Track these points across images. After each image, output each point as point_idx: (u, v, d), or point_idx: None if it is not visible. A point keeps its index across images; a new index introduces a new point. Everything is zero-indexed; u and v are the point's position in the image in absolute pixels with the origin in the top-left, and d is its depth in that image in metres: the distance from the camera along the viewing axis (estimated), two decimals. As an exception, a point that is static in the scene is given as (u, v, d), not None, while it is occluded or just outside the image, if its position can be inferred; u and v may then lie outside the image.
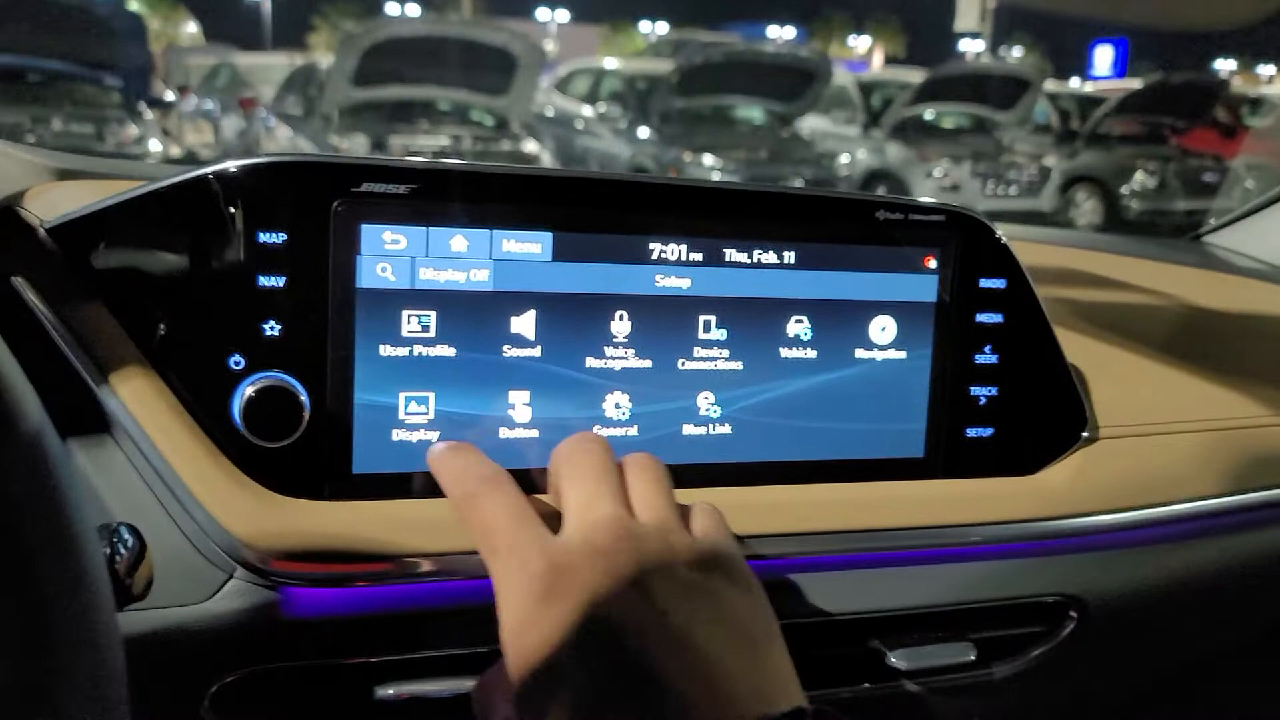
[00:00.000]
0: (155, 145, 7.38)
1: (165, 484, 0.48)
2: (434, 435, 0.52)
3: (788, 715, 0.37)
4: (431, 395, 0.52)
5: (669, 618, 0.40)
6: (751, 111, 8.57)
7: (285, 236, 0.49)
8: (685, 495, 0.56)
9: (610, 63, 10.64)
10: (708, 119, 8.35)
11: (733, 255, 0.57)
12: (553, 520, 0.46)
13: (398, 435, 0.52)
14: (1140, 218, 8.22)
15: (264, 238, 0.49)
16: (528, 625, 0.41)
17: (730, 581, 0.44)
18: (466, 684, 0.54)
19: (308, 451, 0.50)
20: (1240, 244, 1.18)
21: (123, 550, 0.45)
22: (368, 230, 0.50)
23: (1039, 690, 0.69)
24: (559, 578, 0.41)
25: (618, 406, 0.56)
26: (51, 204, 0.54)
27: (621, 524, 0.44)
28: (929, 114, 9.08)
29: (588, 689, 0.39)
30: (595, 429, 0.55)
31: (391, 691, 0.53)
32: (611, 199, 0.55)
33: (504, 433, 0.53)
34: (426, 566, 0.51)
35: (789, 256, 0.58)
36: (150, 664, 0.34)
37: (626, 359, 0.55)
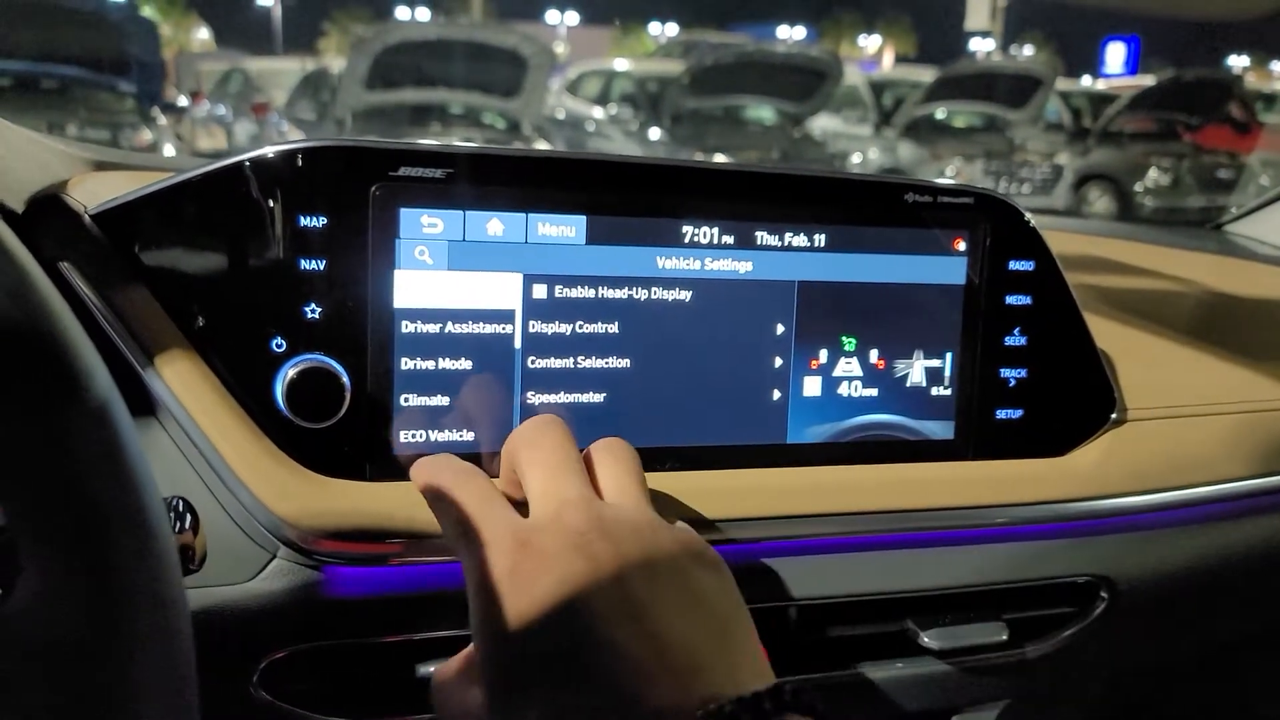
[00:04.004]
0: (169, 150, 7.43)
1: (210, 465, 0.49)
2: (472, 419, 0.53)
3: (758, 695, 0.37)
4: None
5: (638, 597, 0.40)
6: (763, 112, 8.57)
7: (325, 220, 0.50)
8: (718, 476, 0.57)
9: (620, 64, 10.66)
10: (719, 120, 8.35)
11: (764, 238, 0.57)
12: (522, 507, 0.46)
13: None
14: (1154, 215, 8.19)
15: (304, 222, 0.50)
16: (492, 602, 0.40)
17: (700, 564, 0.43)
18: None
19: (349, 432, 0.51)
20: (1261, 233, 1.18)
21: (177, 524, 0.46)
22: (406, 214, 0.51)
23: (1071, 670, 0.70)
24: (526, 556, 0.41)
25: (652, 388, 0.56)
26: (93, 192, 0.55)
27: (589, 504, 0.44)
28: (941, 113, 9.07)
29: (553, 669, 0.39)
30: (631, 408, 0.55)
31: (434, 669, 0.54)
32: (645, 182, 0.55)
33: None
34: (466, 545, 0.51)
35: (819, 239, 0.58)
36: (198, 641, 0.35)
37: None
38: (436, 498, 0.47)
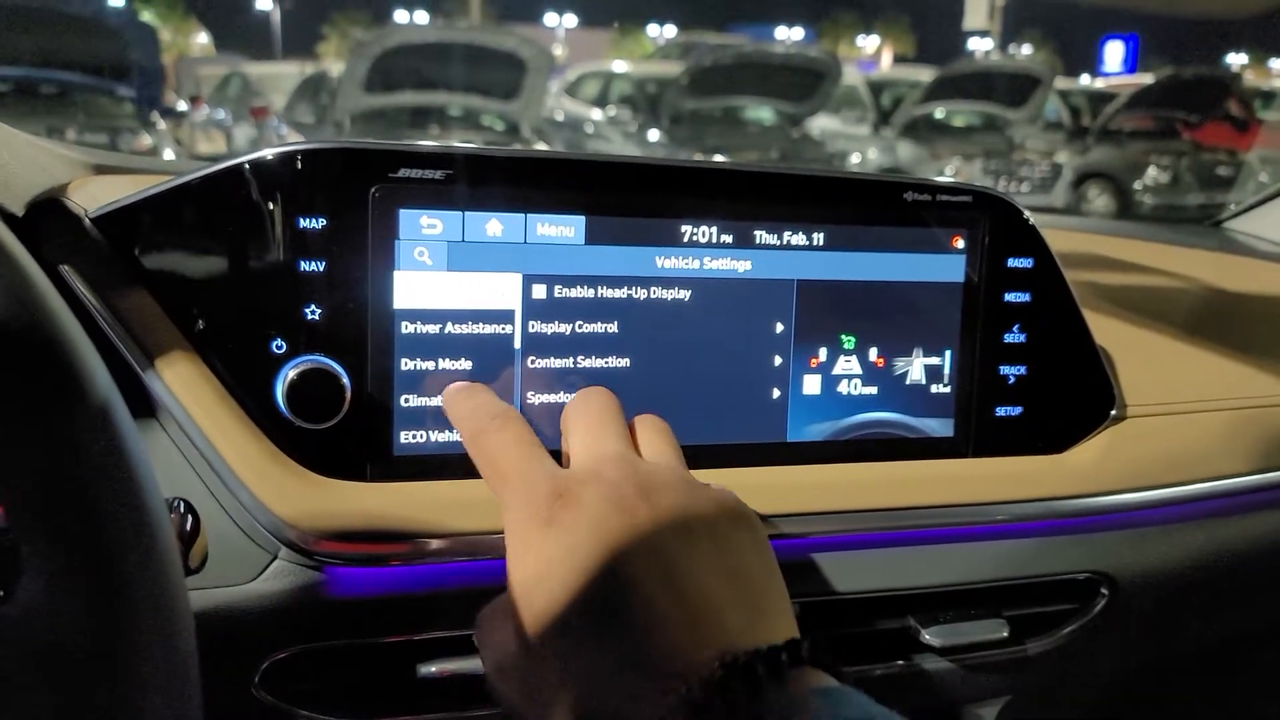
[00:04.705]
0: (169, 155, 7.43)
1: (211, 467, 0.49)
2: (472, 417, 0.53)
3: (774, 649, 0.37)
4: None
5: (670, 553, 0.40)
6: (761, 112, 8.57)
7: (325, 222, 0.50)
8: (718, 475, 0.57)
9: (619, 66, 10.66)
10: (718, 121, 8.35)
11: (763, 237, 0.57)
12: (563, 462, 0.47)
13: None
14: (1154, 213, 8.18)
15: (304, 223, 0.50)
16: (529, 549, 0.41)
17: (733, 522, 0.44)
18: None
19: (350, 433, 0.51)
20: (1260, 229, 1.19)
21: (179, 525, 0.46)
22: (405, 215, 0.51)
23: (1072, 666, 0.70)
24: (563, 503, 0.42)
25: (651, 387, 0.56)
26: (93, 195, 0.55)
27: (627, 459, 0.45)
28: (940, 112, 9.07)
29: (580, 618, 0.39)
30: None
31: (435, 669, 0.54)
32: (643, 182, 0.56)
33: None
34: (467, 546, 0.52)
35: (818, 238, 0.58)
36: (199, 642, 0.35)
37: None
38: (474, 440, 0.47)
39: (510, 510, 0.43)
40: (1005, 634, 0.65)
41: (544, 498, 0.42)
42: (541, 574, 0.40)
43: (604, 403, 0.49)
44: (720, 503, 0.44)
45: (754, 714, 0.35)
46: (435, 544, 0.51)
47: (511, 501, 0.43)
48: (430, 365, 0.52)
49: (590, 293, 0.54)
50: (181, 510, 0.47)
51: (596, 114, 9.30)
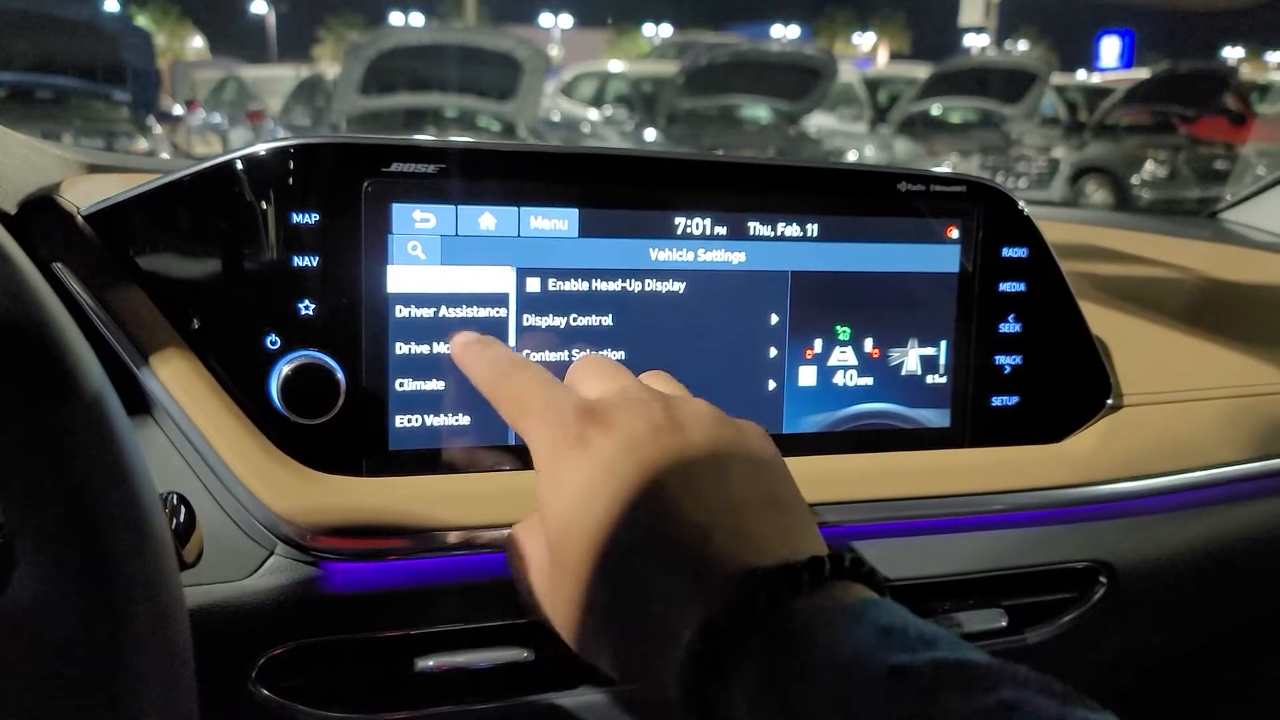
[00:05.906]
0: (165, 158, 7.41)
1: (206, 463, 0.49)
2: (466, 414, 0.53)
3: (817, 559, 0.36)
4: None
5: (703, 467, 0.40)
6: (758, 111, 8.56)
7: (317, 217, 0.50)
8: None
9: (615, 66, 10.65)
10: (714, 119, 8.34)
11: (757, 228, 0.57)
12: None
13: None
14: (1151, 207, 8.17)
15: (297, 219, 0.50)
16: (562, 468, 0.41)
17: (760, 449, 0.44)
18: (506, 655, 0.55)
19: (345, 428, 0.51)
20: (1256, 220, 1.19)
21: (174, 520, 0.46)
22: (398, 209, 0.51)
23: (1071, 656, 0.70)
24: (594, 422, 0.41)
25: (647, 380, 0.56)
26: (86, 194, 0.55)
27: (650, 389, 0.45)
28: (936, 109, 9.06)
29: (617, 527, 0.39)
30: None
31: (432, 663, 0.54)
32: (637, 175, 0.56)
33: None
34: (464, 539, 0.52)
35: (812, 229, 0.58)
36: (196, 638, 0.35)
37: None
38: (494, 384, 0.46)
39: (538, 437, 0.43)
40: (1004, 624, 0.65)
41: (573, 419, 0.42)
42: (577, 491, 0.40)
43: (607, 359, 0.49)
44: (747, 430, 0.44)
45: (772, 626, 0.34)
46: (431, 538, 0.51)
47: (538, 428, 0.43)
48: (425, 361, 0.52)
49: (584, 286, 0.54)
50: (176, 505, 0.47)
51: (593, 114, 9.28)
